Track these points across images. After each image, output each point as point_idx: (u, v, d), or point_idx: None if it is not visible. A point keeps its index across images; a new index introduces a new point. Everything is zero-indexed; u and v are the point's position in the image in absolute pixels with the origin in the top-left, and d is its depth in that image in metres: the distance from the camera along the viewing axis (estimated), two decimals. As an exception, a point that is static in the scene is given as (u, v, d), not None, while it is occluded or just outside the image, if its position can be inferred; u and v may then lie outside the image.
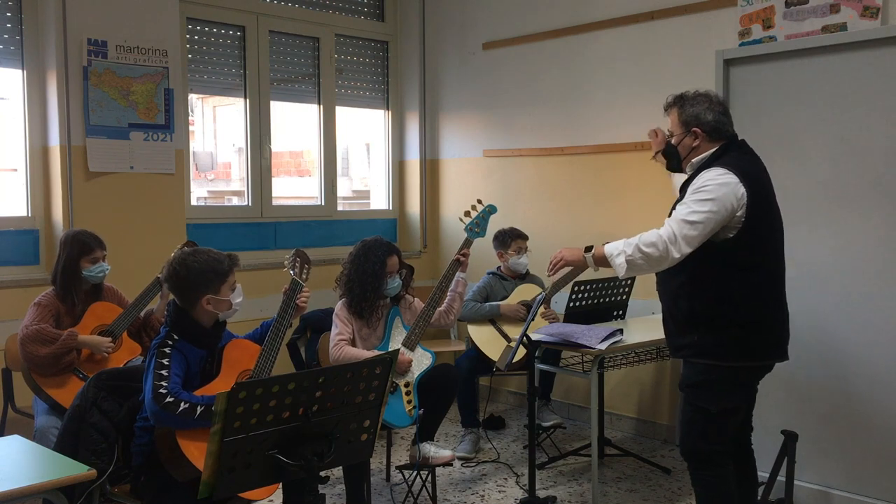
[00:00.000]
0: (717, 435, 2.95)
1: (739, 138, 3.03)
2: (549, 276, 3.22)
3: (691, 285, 2.91)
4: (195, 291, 2.83)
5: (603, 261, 2.96)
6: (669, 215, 3.00)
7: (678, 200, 2.99)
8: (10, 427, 3.80)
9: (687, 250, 2.81)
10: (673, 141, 3.04)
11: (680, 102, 3.03)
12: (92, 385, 2.89)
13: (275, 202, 5.62)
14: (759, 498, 3.25)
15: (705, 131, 2.95)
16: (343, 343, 3.72)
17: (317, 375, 2.26)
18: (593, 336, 3.75)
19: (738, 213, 2.81)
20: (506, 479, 4.35)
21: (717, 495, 2.99)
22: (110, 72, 4.55)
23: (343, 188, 6.76)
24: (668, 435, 4.94)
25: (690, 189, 2.87)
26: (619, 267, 2.89)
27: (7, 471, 2.26)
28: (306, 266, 3.24)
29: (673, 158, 3.08)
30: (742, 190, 2.80)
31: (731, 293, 2.86)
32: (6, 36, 4.44)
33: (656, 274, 3.07)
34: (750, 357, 2.93)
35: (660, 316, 4.64)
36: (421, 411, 3.79)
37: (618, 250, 2.89)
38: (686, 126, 2.98)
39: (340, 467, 3.63)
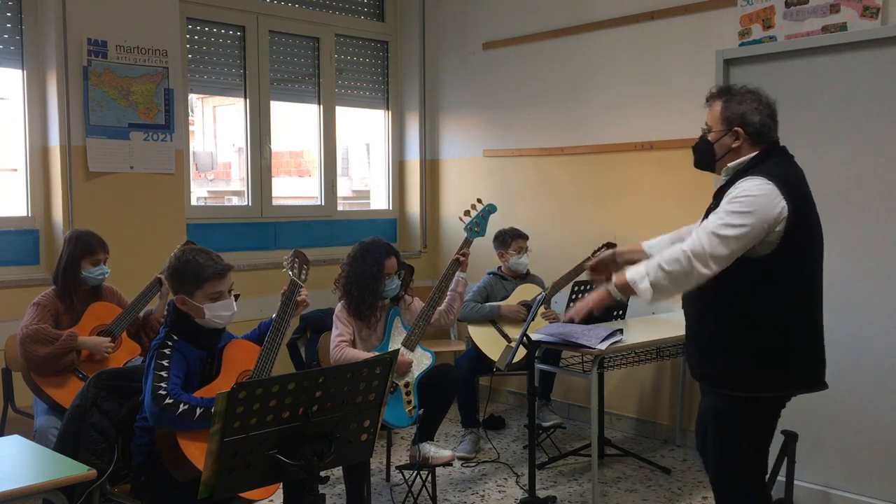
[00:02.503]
0: (755, 469, 2.73)
1: (781, 144, 2.77)
2: (576, 322, 2.88)
3: (723, 305, 2.65)
4: (173, 286, 2.88)
5: (627, 288, 2.65)
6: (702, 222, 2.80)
7: (710, 208, 2.75)
8: (10, 427, 3.79)
9: (716, 267, 2.53)
10: (710, 137, 2.76)
11: (726, 96, 2.75)
12: (92, 385, 2.89)
13: (275, 202, 5.62)
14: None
15: (748, 133, 2.68)
16: (344, 344, 3.71)
17: (317, 375, 2.26)
18: (593, 336, 3.75)
19: (777, 229, 2.56)
20: (506, 479, 4.35)
21: None
22: (110, 72, 4.55)
23: (343, 188, 6.77)
24: (668, 435, 4.94)
25: (726, 199, 2.60)
26: (645, 292, 2.59)
27: (7, 471, 2.26)
28: (305, 266, 3.23)
29: (706, 156, 2.79)
30: (782, 203, 2.54)
31: (762, 315, 2.62)
32: (6, 36, 4.44)
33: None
34: (784, 388, 2.69)
35: (660, 316, 4.70)
36: (421, 411, 3.79)
37: (640, 275, 2.60)
38: (728, 123, 2.70)
39: (340, 467, 3.63)
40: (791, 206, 2.57)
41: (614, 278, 2.72)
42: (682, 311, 4.72)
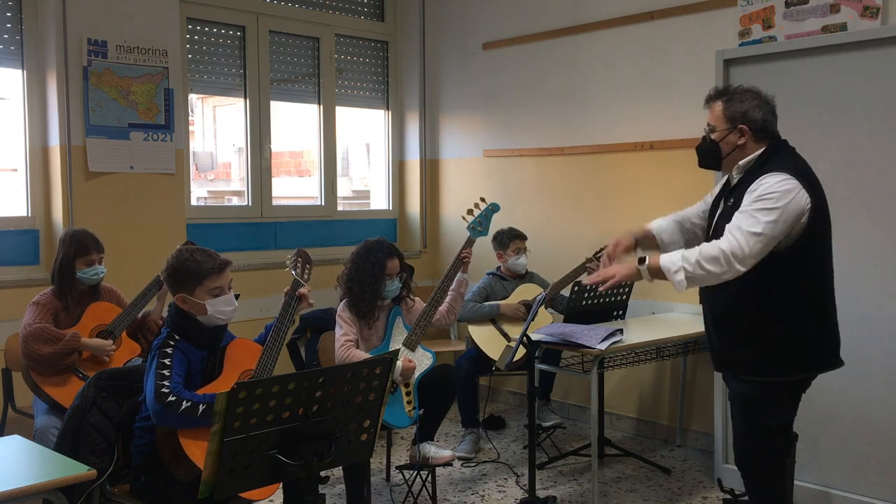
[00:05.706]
0: (780, 448, 2.86)
1: (782, 138, 2.89)
2: (600, 290, 3.03)
3: (750, 296, 2.76)
4: (172, 286, 2.87)
5: (658, 273, 2.77)
6: (713, 219, 2.91)
7: (727, 205, 2.85)
8: (10, 427, 3.79)
9: (752, 264, 2.66)
10: (714, 137, 2.86)
11: (726, 96, 2.86)
12: (92, 385, 2.90)
13: (275, 202, 5.62)
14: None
15: (752, 130, 2.79)
16: (350, 344, 3.69)
17: (317, 375, 2.26)
18: (593, 336, 3.75)
19: (801, 221, 2.68)
20: (506, 479, 4.35)
21: None
22: (110, 72, 4.55)
23: (343, 188, 6.76)
24: (668, 435, 4.94)
25: (751, 197, 2.70)
26: (679, 284, 2.71)
27: (7, 471, 2.26)
28: (308, 266, 3.23)
29: (711, 155, 2.89)
30: (806, 196, 2.67)
31: (793, 302, 2.74)
32: (6, 36, 4.44)
33: None
34: (810, 368, 2.83)
35: (659, 316, 4.69)
36: (421, 411, 3.78)
37: (676, 266, 2.71)
38: (732, 122, 2.81)
39: (340, 467, 3.63)
40: (812, 199, 2.69)
41: (648, 259, 2.79)
42: (681, 312, 4.74)
